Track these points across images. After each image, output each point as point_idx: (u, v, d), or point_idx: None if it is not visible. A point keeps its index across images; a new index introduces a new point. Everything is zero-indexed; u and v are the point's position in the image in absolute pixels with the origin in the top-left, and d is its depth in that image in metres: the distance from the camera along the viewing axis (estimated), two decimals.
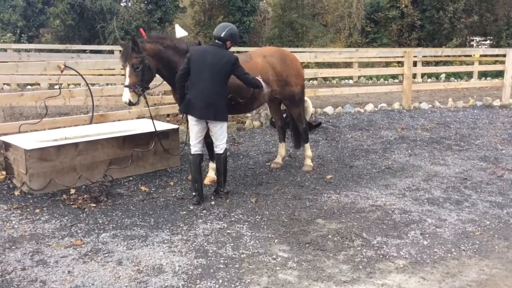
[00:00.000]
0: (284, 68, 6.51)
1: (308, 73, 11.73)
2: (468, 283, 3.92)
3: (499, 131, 9.63)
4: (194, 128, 5.58)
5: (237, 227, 4.97)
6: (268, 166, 7.18)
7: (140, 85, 5.60)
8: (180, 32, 6.86)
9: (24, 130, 6.73)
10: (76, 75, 7.67)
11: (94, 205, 5.50)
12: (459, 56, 20.33)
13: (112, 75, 12.27)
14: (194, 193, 5.64)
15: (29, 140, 6.09)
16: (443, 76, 20.60)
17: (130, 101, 5.59)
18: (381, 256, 4.36)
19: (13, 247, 4.44)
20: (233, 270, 4.07)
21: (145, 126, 7.17)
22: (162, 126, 7.06)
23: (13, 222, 5.00)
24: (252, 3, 23.92)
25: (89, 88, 7.47)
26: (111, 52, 17.03)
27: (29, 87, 13.68)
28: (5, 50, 16.05)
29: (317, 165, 7.20)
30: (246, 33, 24.20)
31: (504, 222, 5.18)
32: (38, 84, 13.46)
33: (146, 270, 4.06)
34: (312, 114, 9.44)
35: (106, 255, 4.32)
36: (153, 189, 6.09)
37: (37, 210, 5.31)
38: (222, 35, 5.60)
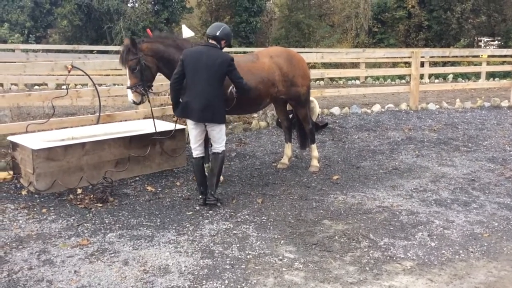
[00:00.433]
0: (290, 69, 6.50)
1: (314, 73, 11.70)
2: (476, 285, 3.89)
3: (507, 132, 9.55)
4: (193, 132, 5.46)
5: (243, 227, 4.96)
6: (274, 166, 7.17)
7: (141, 85, 5.69)
8: (187, 32, 6.86)
9: (31, 130, 6.75)
10: (83, 75, 7.69)
11: (101, 205, 5.51)
12: (466, 56, 20.22)
13: (119, 75, 12.28)
14: (200, 196, 5.60)
15: (36, 140, 6.11)
16: (450, 76, 20.49)
17: (134, 101, 5.77)
18: (388, 257, 4.33)
19: (20, 247, 4.45)
20: (239, 271, 4.06)
21: (152, 126, 7.16)
22: (168, 126, 7.06)
23: (20, 221, 5.02)
24: (259, 4, 23.93)
25: (96, 88, 7.48)
26: (118, 52, 17.06)
27: (36, 87, 13.74)
28: (13, 50, 16.12)
29: (323, 166, 7.18)
30: (252, 33, 24.21)
31: None
32: (46, 84, 13.52)
33: (152, 270, 4.06)
34: (318, 114, 9.40)
35: (112, 255, 4.32)
36: (159, 189, 6.10)
37: (44, 210, 5.33)
38: (217, 34, 5.44)
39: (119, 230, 4.87)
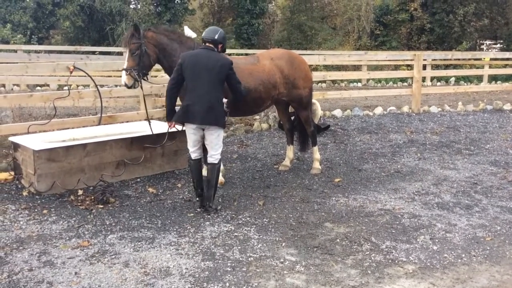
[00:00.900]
0: (292, 71, 6.49)
1: (316, 75, 11.71)
2: None
3: (510, 136, 9.53)
4: (192, 137, 5.38)
5: (245, 230, 4.94)
6: (276, 168, 7.15)
7: (136, 70, 5.78)
8: (189, 34, 6.87)
9: (33, 131, 6.74)
10: (85, 76, 7.69)
11: (102, 206, 5.49)
12: (469, 59, 20.19)
13: (121, 76, 12.29)
14: (197, 198, 5.55)
15: (37, 140, 6.10)
16: (452, 79, 20.46)
17: (125, 83, 5.86)
18: (390, 261, 4.31)
19: (21, 248, 4.43)
20: (240, 273, 4.04)
21: (153, 127, 7.15)
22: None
23: (21, 222, 5.00)
24: (261, 6, 23.93)
25: (98, 89, 7.47)
26: (120, 54, 17.06)
27: (38, 88, 13.75)
28: (15, 51, 16.15)
29: (325, 168, 7.16)
30: (254, 35, 24.20)
31: None
32: (48, 85, 13.52)
33: (153, 272, 4.04)
34: (320, 117, 9.38)
35: (113, 256, 4.31)
36: (160, 191, 6.08)
37: (44, 211, 5.32)
38: (216, 38, 5.38)
39: (120, 231, 4.85)
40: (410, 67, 18.14)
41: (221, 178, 6.34)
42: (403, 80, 20.06)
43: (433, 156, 7.95)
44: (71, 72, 7.21)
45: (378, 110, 11.53)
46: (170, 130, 5.84)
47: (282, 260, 4.29)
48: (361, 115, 11.12)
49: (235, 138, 8.85)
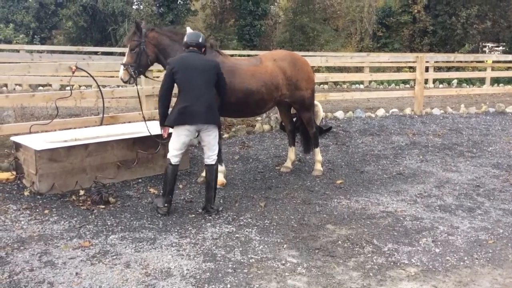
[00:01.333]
0: (294, 72, 6.48)
1: (318, 77, 11.67)
2: None
3: None
4: (184, 139, 5.25)
5: (246, 231, 4.93)
6: (277, 170, 7.14)
7: (133, 67, 5.87)
8: None
9: (34, 131, 6.74)
10: (87, 76, 7.69)
11: (103, 206, 5.49)
12: (471, 62, 20.16)
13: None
14: (166, 204, 5.32)
15: (39, 140, 6.09)
16: (455, 82, 20.44)
17: (121, 78, 5.97)
18: (392, 263, 4.29)
19: (22, 248, 4.43)
20: (242, 275, 4.03)
21: (156, 128, 7.15)
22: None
23: (22, 222, 5.00)
24: (264, 7, 23.93)
25: (100, 90, 7.47)
26: (123, 54, 17.07)
27: (40, 88, 13.76)
28: (18, 51, 16.17)
29: (327, 170, 7.14)
30: (257, 36, 24.20)
31: None
32: (50, 85, 13.53)
33: (154, 273, 4.03)
34: (322, 118, 9.37)
35: (114, 257, 4.29)
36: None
37: (46, 211, 5.31)
38: (200, 41, 5.35)
39: (121, 232, 4.84)
40: (412, 69, 18.10)
41: (222, 179, 6.33)
42: (405, 82, 20.04)
43: (436, 159, 7.93)
44: (73, 72, 7.21)
45: (380, 112, 11.51)
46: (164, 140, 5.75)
47: (283, 262, 4.28)
48: (363, 117, 11.10)
49: (236, 139, 8.84)
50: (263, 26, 24.30)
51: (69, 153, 5.89)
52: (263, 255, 4.40)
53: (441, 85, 20.11)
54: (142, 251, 4.43)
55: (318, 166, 7.01)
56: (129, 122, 8.10)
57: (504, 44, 27.64)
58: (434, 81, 19.85)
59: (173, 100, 5.42)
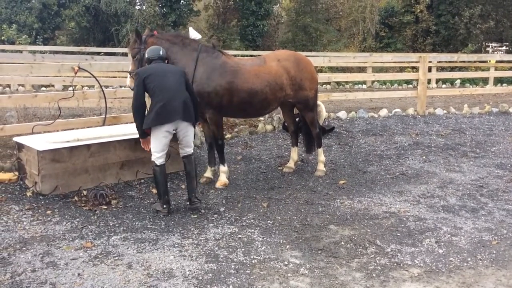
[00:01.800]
0: (298, 72, 6.47)
1: (321, 77, 11.66)
2: None
3: None
4: (163, 140, 5.22)
5: (249, 232, 4.91)
6: (280, 170, 7.12)
7: None
8: (194, 35, 6.85)
9: (37, 131, 6.74)
10: (89, 77, 7.68)
11: (105, 207, 5.48)
12: (474, 62, 20.10)
13: (126, 77, 12.27)
14: (165, 206, 5.32)
15: (42, 141, 6.09)
16: (458, 82, 20.38)
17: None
18: (395, 264, 4.27)
19: (24, 248, 4.42)
20: (244, 276, 4.01)
21: None
22: None
23: (25, 223, 4.99)
24: (266, 7, 23.91)
25: (103, 90, 7.47)
26: (125, 54, 17.09)
27: (43, 88, 13.78)
28: (21, 51, 16.18)
29: (329, 170, 7.13)
30: (259, 37, 24.18)
31: None
32: (52, 86, 13.55)
33: (156, 274, 4.02)
34: (325, 118, 9.35)
35: (116, 258, 4.29)
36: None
37: (48, 212, 5.31)
38: (161, 53, 5.50)
39: (123, 233, 4.84)
40: (415, 69, 18.06)
41: (225, 180, 6.33)
42: (408, 82, 20.00)
43: (439, 159, 7.90)
44: (75, 73, 7.21)
45: (383, 112, 11.48)
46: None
47: (286, 262, 4.26)
48: (366, 117, 11.07)
49: (239, 140, 8.83)
50: (265, 26, 24.28)
51: (71, 154, 5.88)
52: (265, 255, 4.39)
53: (444, 85, 20.06)
54: (144, 252, 4.42)
55: (321, 167, 6.99)
56: (132, 122, 8.08)
57: (507, 44, 27.53)
58: (437, 81, 19.79)
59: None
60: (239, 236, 4.81)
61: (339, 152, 8.24)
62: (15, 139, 6.31)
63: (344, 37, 27.25)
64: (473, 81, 20.97)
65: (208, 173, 6.55)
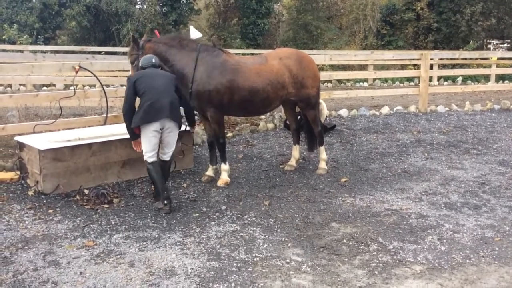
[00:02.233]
0: (300, 70, 6.45)
1: (322, 75, 11.62)
2: None
3: None
4: (153, 140, 5.33)
5: (250, 230, 4.91)
6: (282, 168, 7.11)
7: None
8: (194, 34, 6.86)
9: (38, 131, 6.74)
10: (90, 76, 7.68)
11: (107, 206, 5.48)
12: (476, 59, 20.05)
13: (127, 76, 12.28)
14: (165, 201, 5.33)
15: (43, 140, 6.10)
16: (459, 79, 20.34)
17: None
18: (397, 261, 4.27)
19: (26, 247, 4.43)
20: (246, 273, 4.01)
21: None
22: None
23: (26, 222, 5.00)
24: (267, 6, 23.89)
25: (104, 89, 7.47)
26: (126, 53, 17.09)
27: (44, 88, 13.78)
28: (22, 51, 16.19)
29: (331, 168, 7.12)
30: (260, 35, 24.17)
31: None
32: (54, 85, 13.56)
33: (158, 272, 4.01)
34: (326, 116, 9.35)
35: (118, 256, 4.29)
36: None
37: (50, 211, 5.31)
38: (153, 61, 5.63)
39: (125, 231, 4.84)
40: (417, 66, 18.05)
41: (226, 178, 6.32)
42: (409, 79, 19.96)
43: (441, 156, 7.88)
44: (76, 72, 7.21)
45: (385, 110, 11.46)
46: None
47: (288, 260, 4.25)
48: (367, 114, 11.06)
49: (240, 138, 8.82)
50: (266, 24, 24.26)
51: (73, 153, 5.88)
52: (267, 253, 4.38)
53: (445, 83, 20.01)
54: (146, 250, 4.42)
55: (323, 165, 6.98)
56: None
57: (509, 41, 27.49)
58: (439, 78, 19.74)
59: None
60: (241, 234, 4.80)
61: (341, 150, 8.23)
62: (17, 138, 6.31)
63: (345, 35, 27.22)
64: (475, 78, 20.92)
65: (210, 172, 6.55)
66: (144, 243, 4.57)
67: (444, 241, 4.70)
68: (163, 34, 6.75)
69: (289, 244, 4.58)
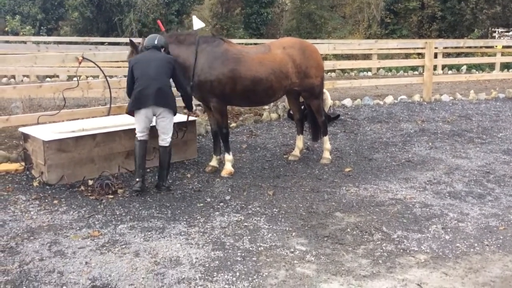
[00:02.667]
0: (304, 60, 6.42)
1: (326, 65, 11.55)
2: (492, 279, 3.81)
3: None
4: (142, 123, 5.61)
5: (255, 219, 4.92)
6: (285, 158, 7.11)
7: None
8: (197, 23, 6.83)
9: (42, 122, 6.76)
10: (94, 67, 7.68)
11: (112, 196, 5.50)
12: (481, 47, 19.91)
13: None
14: (138, 179, 5.57)
15: (47, 131, 6.11)
16: (464, 68, 20.22)
17: None
18: (401, 250, 4.27)
19: (32, 238, 4.45)
20: (251, 263, 4.03)
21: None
22: (179, 118, 7.01)
23: (32, 212, 5.02)
24: None
25: (107, 80, 7.46)
26: (129, 44, 17.04)
27: (48, 79, 13.79)
28: (25, 42, 16.18)
29: (335, 158, 7.11)
30: (263, 25, 24.03)
31: None
32: (57, 76, 13.56)
33: (163, 262, 4.03)
34: (330, 106, 9.32)
35: (123, 246, 4.31)
36: (170, 181, 6.06)
37: (55, 201, 5.33)
38: (155, 43, 5.74)
39: (130, 221, 4.86)
40: (421, 55, 17.91)
41: (230, 168, 6.33)
42: (414, 68, 19.87)
43: (445, 145, 7.86)
44: (80, 63, 7.20)
45: (389, 99, 11.42)
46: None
47: (292, 249, 4.27)
48: (371, 104, 11.02)
49: (244, 128, 8.82)
50: (269, 14, 24.11)
51: (77, 144, 5.90)
52: (272, 243, 4.39)
53: (450, 71, 19.90)
54: (151, 240, 4.44)
55: (327, 154, 6.97)
56: None
57: None
58: (443, 67, 19.62)
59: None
60: (245, 224, 4.81)
61: (345, 140, 8.21)
62: (21, 129, 6.33)
63: (349, 24, 27.02)
64: (480, 67, 20.78)
65: (214, 162, 6.55)
66: (149, 233, 4.59)
67: (448, 230, 4.70)
68: (165, 25, 6.72)
69: (293, 234, 4.59)
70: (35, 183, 5.79)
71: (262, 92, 6.25)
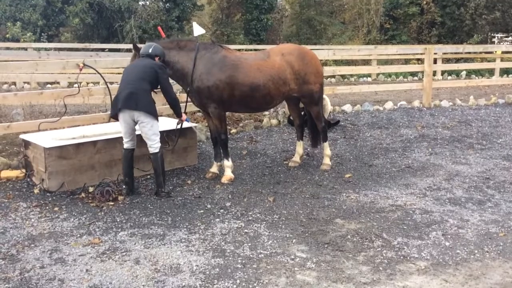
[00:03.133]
0: (302, 66, 6.45)
1: (326, 70, 11.59)
2: (492, 286, 3.82)
3: None
4: (123, 129, 5.67)
5: (255, 226, 4.93)
6: (286, 164, 7.12)
7: None
8: (198, 30, 6.86)
9: (43, 129, 6.76)
10: (94, 73, 7.70)
11: (112, 203, 5.51)
12: (480, 53, 19.94)
13: None
14: (124, 186, 5.82)
15: (48, 138, 6.13)
16: (463, 73, 20.25)
17: None
18: (401, 257, 4.28)
19: (32, 245, 4.46)
20: (251, 270, 4.03)
21: (163, 124, 7.15)
22: (169, 126, 7.01)
23: (33, 220, 5.03)
24: (270, 1, 23.84)
25: (108, 87, 7.47)
26: (129, 50, 17.09)
27: (49, 85, 13.81)
28: (25, 49, 16.22)
29: (335, 164, 7.12)
30: (263, 30, 24.12)
31: None
32: (58, 83, 13.59)
33: (164, 269, 4.04)
34: (330, 112, 9.34)
35: (124, 253, 4.31)
36: (170, 188, 6.08)
37: (56, 208, 5.34)
38: (150, 51, 5.78)
39: (130, 228, 4.86)
40: (420, 61, 17.95)
41: (230, 174, 6.34)
42: (413, 74, 19.90)
43: (445, 151, 7.87)
44: (80, 70, 7.22)
45: (389, 105, 11.44)
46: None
47: (292, 256, 4.27)
48: (371, 110, 11.04)
49: (244, 134, 8.83)
50: (269, 20, 24.20)
51: (78, 151, 5.91)
52: (272, 250, 4.40)
53: (449, 77, 19.93)
54: (151, 247, 4.45)
55: (327, 160, 6.99)
56: None
57: None
58: (443, 73, 19.66)
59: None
60: (246, 230, 4.82)
61: (345, 146, 8.23)
62: (22, 136, 6.34)
63: (348, 30, 27.14)
64: (479, 73, 20.81)
65: (214, 168, 6.56)
66: (149, 240, 4.59)
67: (449, 236, 4.70)
68: (166, 31, 6.75)
69: (294, 241, 4.60)
70: (36, 190, 5.80)
71: (260, 99, 6.27)
